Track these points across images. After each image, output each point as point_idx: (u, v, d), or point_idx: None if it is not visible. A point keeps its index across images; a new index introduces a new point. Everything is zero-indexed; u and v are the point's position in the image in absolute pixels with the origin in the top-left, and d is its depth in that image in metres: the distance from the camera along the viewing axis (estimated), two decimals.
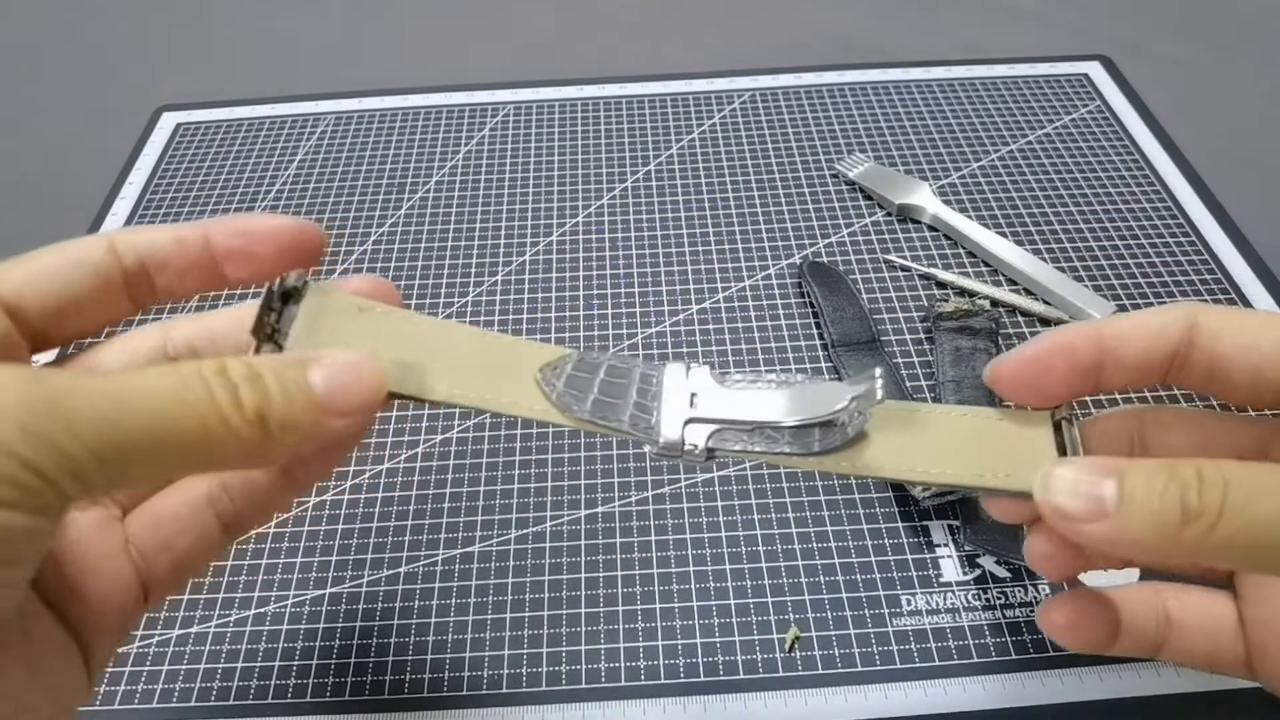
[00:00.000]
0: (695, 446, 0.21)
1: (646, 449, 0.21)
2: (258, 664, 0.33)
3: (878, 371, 0.21)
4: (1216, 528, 0.18)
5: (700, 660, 0.33)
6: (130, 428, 0.15)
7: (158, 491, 0.21)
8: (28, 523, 0.15)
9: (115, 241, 0.21)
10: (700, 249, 0.48)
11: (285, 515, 0.38)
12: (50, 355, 0.24)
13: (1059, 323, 0.43)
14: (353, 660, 0.33)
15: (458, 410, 0.41)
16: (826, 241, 0.48)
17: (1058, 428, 0.22)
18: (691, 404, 0.21)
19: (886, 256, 0.47)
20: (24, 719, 0.17)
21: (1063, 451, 0.21)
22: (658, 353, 0.43)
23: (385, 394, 0.19)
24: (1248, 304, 0.44)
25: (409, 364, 0.21)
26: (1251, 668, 0.23)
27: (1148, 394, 0.39)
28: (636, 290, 0.46)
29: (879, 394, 0.20)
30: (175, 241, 0.21)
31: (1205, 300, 0.44)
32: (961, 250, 0.47)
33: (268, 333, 0.20)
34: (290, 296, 0.21)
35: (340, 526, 0.37)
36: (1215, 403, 0.38)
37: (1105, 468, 0.19)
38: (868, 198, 0.51)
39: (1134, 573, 0.31)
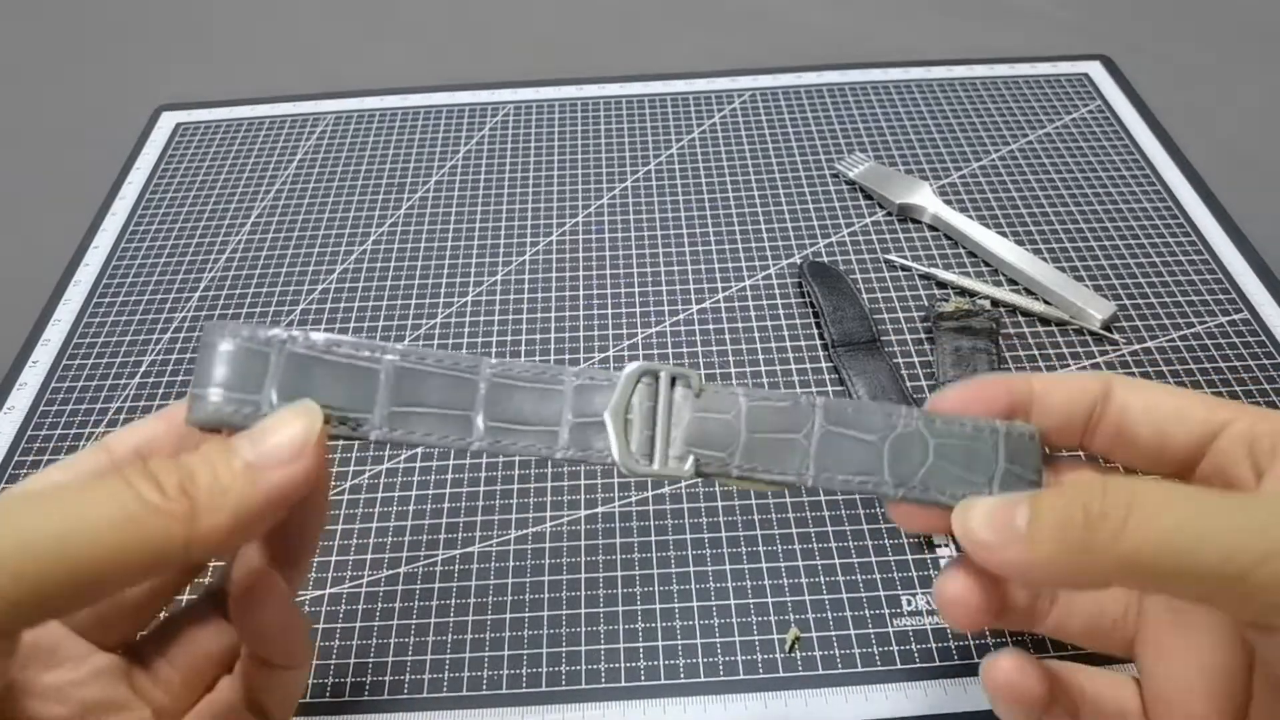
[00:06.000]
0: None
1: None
2: None
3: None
4: (1122, 535, 0.17)
5: (700, 660, 0.32)
6: (35, 539, 0.14)
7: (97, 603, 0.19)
8: None
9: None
10: (700, 249, 0.48)
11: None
12: None
13: (1059, 322, 0.43)
14: (352, 660, 0.33)
15: None
16: (826, 241, 0.48)
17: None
18: None
19: (887, 256, 0.47)
20: None
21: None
22: (657, 353, 0.43)
23: (320, 432, 0.18)
24: (1248, 303, 0.44)
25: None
26: None
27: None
28: (636, 290, 0.46)
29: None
30: None
31: (1209, 302, 0.44)
32: (962, 250, 0.47)
33: None
34: None
35: (340, 526, 0.37)
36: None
37: (1019, 498, 0.19)
38: (868, 197, 0.51)
39: None
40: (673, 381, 0.21)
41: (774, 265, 0.47)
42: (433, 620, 0.34)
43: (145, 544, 0.15)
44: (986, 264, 0.46)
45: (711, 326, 0.44)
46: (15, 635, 0.15)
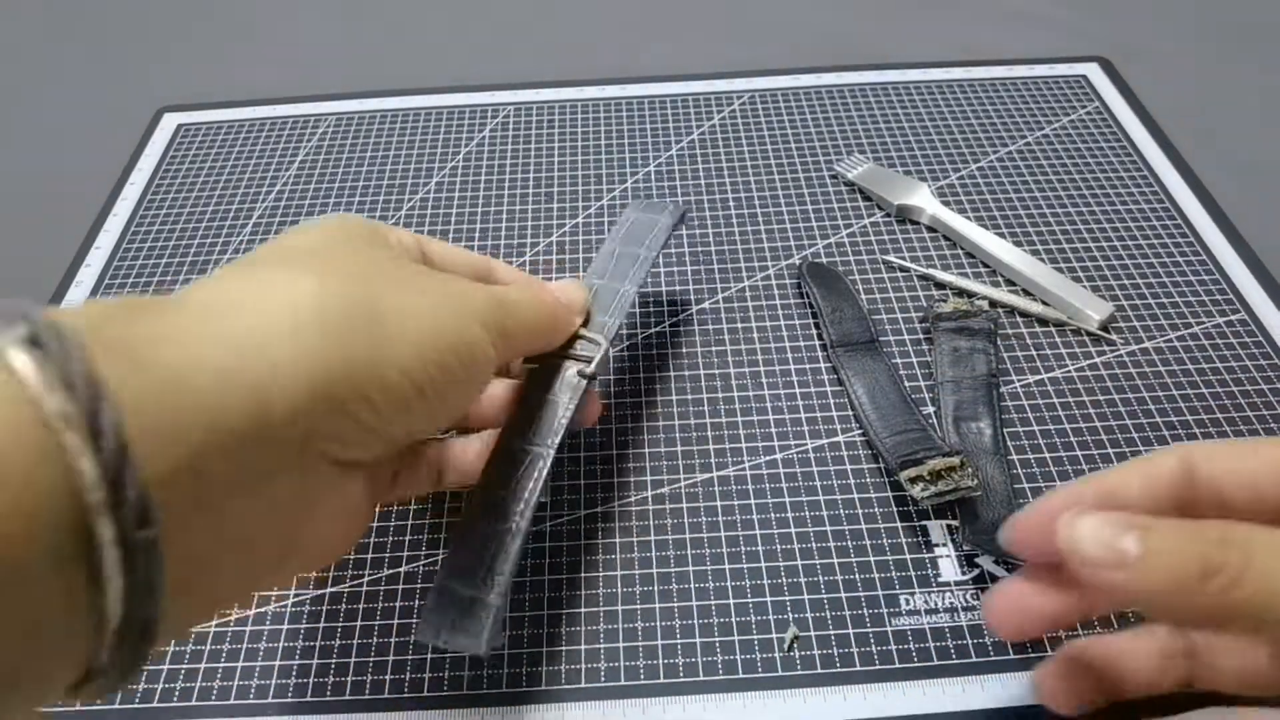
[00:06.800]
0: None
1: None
2: (258, 664, 0.33)
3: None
4: (1239, 585, 0.18)
5: (700, 660, 0.33)
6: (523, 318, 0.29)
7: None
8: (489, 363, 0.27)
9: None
10: (699, 250, 0.48)
11: None
12: None
13: (1057, 323, 0.43)
14: (353, 660, 0.33)
15: None
16: (825, 242, 0.48)
17: None
18: None
19: (885, 257, 0.47)
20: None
21: None
22: (656, 354, 0.43)
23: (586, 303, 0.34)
24: (1245, 304, 0.44)
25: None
26: None
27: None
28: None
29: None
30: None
31: (1206, 303, 0.44)
32: (960, 251, 0.48)
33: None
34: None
35: None
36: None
37: (1129, 522, 0.20)
38: (867, 198, 0.51)
39: None
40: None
41: (773, 266, 0.47)
42: None
43: (548, 320, 0.31)
44: (985, 265, 0.47)
45: (711, 327, 0.44)
46: (511, 361, 0.32)
